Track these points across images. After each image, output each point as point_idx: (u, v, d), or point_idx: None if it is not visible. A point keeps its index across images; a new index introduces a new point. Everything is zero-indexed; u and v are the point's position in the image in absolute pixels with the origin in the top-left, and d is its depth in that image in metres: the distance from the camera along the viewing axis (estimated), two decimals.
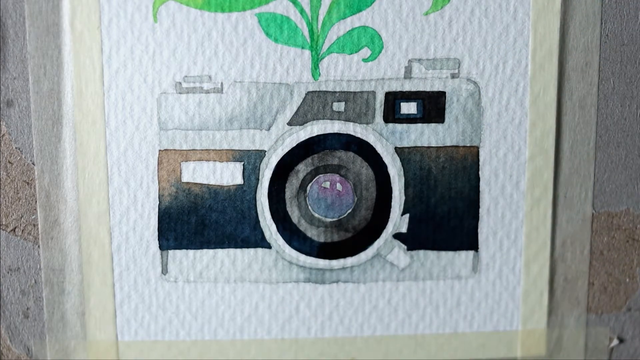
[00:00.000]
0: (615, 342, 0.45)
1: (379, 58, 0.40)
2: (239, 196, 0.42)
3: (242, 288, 0.43)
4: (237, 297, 0.43)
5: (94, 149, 0.41)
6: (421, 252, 0.43)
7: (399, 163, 0.42)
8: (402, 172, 0.42)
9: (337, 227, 0.42)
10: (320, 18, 0.40)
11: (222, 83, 0.40)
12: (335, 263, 0.43)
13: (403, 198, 0.42)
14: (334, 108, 0.41)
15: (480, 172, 0.42)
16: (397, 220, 0.42)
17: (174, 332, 0.43)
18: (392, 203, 0.42)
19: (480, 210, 0.42)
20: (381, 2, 0.40)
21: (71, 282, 0.42)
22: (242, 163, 0.41)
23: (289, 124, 0.41)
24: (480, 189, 0.42)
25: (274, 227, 0.42)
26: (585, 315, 0.44)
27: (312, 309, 0.43)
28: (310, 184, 0.42)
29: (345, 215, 0.42)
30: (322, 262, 0.42)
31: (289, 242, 0.42)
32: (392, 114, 0.41)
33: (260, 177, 0.41)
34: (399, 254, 0.43)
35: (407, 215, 0.42)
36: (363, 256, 0.43)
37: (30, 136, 0.41)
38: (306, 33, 0.40)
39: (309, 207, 0.42)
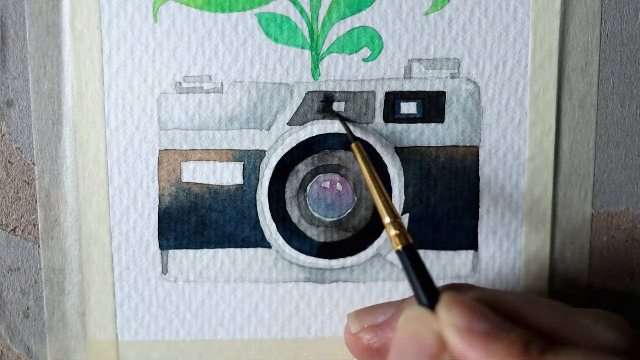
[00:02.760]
0: None
1: (379, 58, 0.40)
2: (239, 196, 0.42)
3: (242, 288, 0.43)
4: (237, 297, 0.43)
5: (94, 149, 0.41)
6: (421, 252, 0.43)
7: (398, 163, 0.42)
8: (402, 172, 0.42)
9: (337, 226, 0.42)
10: (320, 18, 0.40)
11: (222, 83, 0.40)
12: (335, 263, 0.43)
13: (403, 198, 0.42)
14: (334, 108, 0.41)
15: (480, 172, 0.42)
16: None
17: (174, 331, 0.43)
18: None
19: (480, 210, 0.42)
20: (381, 2, 0.40)
21: (71, 282, 0.42)
22: (242, 163, 0.41)
23: (289, 123, 0.41)
24: (480, 189, 0.42)
25: (274, 226, 0.42)
26: None
27: (312, 308, 0.43)
28: (310, 184, 0.42)
29: (345, 215, 0.42)
30: (322, 262, 0.43)
31: (289, 241, 0.42)
32: (392, 114, 0.41)
33: (260, 177, 0.41)
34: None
35: (407, 215, 0.42)
36: (363, 256, 0.43)
37: (30, 136, 0.41)
38: (306, 33, 0.40)
39: (309, 206, 0.42)
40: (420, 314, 0.30)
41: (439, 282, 0.43)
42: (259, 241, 0.42)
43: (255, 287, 0.43)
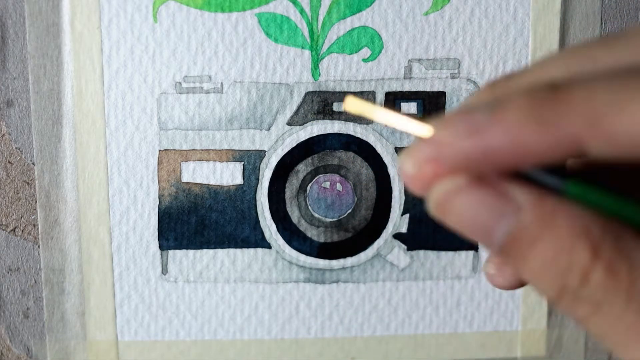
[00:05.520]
0: None
1: (379, 58, 0.40)
2: (239, 196, 0.42)
3: (242, 288, 0.43)
4: (237, 297, 0.43)
5: (94, 149, 0.41)
6: (421, 252, 0.43)
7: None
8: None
9: (337, 227, 0.42)
10: (320, 18, 0.40)
11: (222, 83, 0.40)
12: (335, 263, 0.43)
13: (403, 198, 0.42)
14: (334, 108, 0.41)
15: None
16: (397, 221, 0.42)
17: (174, 332, 0.43)
18: (392, 203, 0.42)
19: None
20: (381, 2, 0.40)
21: (71, 282, 0.42)
22: (242, 163, 0.41)
23: (289, 124, 0.41)
24: None
25: (274, 227, 0.42)
26: None
27: (312, 309, 0.43)
28: (310, 184, 0.42)
29: (345, 215, 0.42)
30: (322, 262, 0.42)
31: (289, 242, 0.42)
32: None
33: (260, 177, 0.41)
34: (399, 254, 0.43)
35: (407, 215, 0.42)
36: (363, 256, 0.43)
37: (30, 136, 0.41)
38: (306, 33, 0.40)
39: (309, 207, 0.42)
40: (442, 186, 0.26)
41: (439, 283, 0.43)
42: (259, 241, 0.42)
43: (255, 287, 0.43)
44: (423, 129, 0.25)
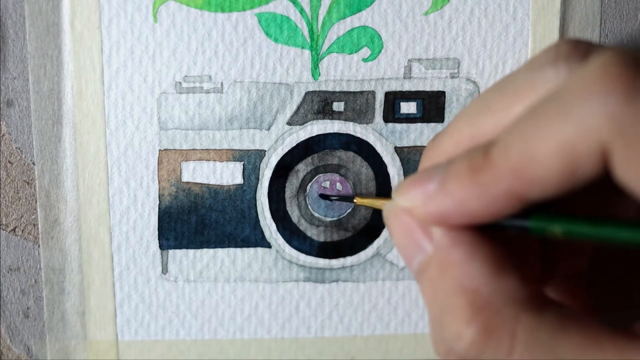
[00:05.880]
0: None
1: (379, 58, 0.40)
2: (239, 196, 0.42)
3: (242, 287, 0.43)
4: (237, 297, 0.43)
5: (94, 149, 0.41)
6: None
7: (398, 162, 0.42)
8: (401, 172, 0.42)
9: (336, 226, 0.42)
10: (320, 18, 0.40)
11: (222, 83, 0.40)
12: (335, 262, 0.43)
13: None
14: (334, 108, 0.41)
15: None
16: None
17: (174, 331, 0.43)
18: None
19: None
20: (381, 2, 0.40)
21: (71, 282, 0.42)
22: (242, 163, 0.41)
23: (289, 123, 0.41)
24: None
25: (273, 226, 0.42)
26: None
27: (312, 308, 0.43)
28: (310, 184, 0.42)
29: (345, 214, 0.42)
30: (322, 262, 0.43)
31: (289, 241, 0.42)
32: (391, 114, 0.41)
33: (260, 177, 0.42)
34: (398, 253, 0.43)
35: None
36: (363, 255, 0.43)
37: (30, 136, 0.41)
38: (306, 33, 0.40)
39: (309, 206, 0.42)
40: (390, 209, 0.30)
41: None
42: (259, 241, 0.42)
43: (255, 286, 0.43)
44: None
